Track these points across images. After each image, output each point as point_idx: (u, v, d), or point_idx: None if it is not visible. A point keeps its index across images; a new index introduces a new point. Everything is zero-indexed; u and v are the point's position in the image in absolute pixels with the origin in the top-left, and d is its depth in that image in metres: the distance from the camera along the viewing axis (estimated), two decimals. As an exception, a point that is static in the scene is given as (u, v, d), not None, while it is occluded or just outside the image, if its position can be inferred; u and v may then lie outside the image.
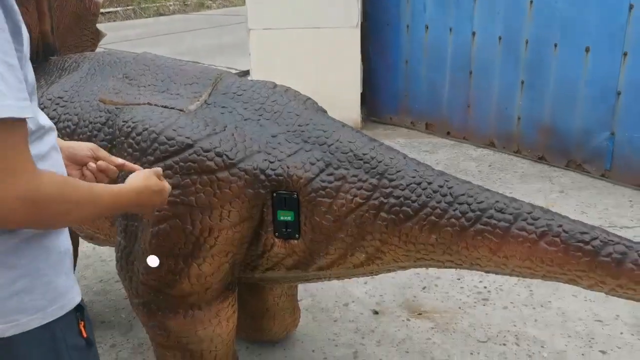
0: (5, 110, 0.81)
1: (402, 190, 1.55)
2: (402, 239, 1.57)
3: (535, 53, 4.31)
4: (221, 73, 1.90)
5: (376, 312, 2.70)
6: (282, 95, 1.80)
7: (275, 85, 1.86)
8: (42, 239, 0.99)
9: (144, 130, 1.67)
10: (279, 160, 1.63)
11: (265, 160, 1.63)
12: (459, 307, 2.72)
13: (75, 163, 1.22)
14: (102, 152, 1.26)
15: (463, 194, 1.51)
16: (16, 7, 0.88)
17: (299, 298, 2.53)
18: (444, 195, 1.52)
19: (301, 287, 2.81)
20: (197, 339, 1.80)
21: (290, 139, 1.67)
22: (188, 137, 1.62)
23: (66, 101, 1.91)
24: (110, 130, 1.78)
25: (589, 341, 2.46)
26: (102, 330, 2.59)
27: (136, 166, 1.30)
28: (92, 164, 1.23)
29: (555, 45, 4.16)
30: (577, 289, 2.77)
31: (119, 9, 14.08)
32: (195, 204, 1.61)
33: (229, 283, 1.79)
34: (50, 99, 1.95)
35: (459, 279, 2.94)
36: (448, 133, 5.10)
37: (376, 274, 1.79)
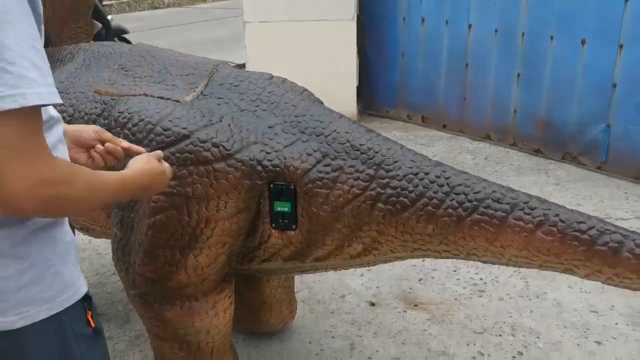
0: (37, 97, 0.81)
1: (399, 180, 1.55)
2: (399, 230, 1.57)
3: (532, 45, 4.31)
4: (217, 64, 1.89)
5: (373, 304, 2.70)
6: (279, 86, 1.80)
7: (271, 77, 1.85)
8: (49, 230, 0.99)
9: (140, 121, 1.66)
10: (275, 151, 1.63)
11: (262, 151, 1.63)
12: (455, 299, 2.73)
13: (81, 146, 1.21)
14: (107, 134, 1.25)
15: (460, 184, 1.51)
16: None
17: (295, 290, 2.53)
18: (441, 186, 1.52)
19: (298, 279, 2.81)
20: (194, 330, 1.80)
21: (287, 129, 1.67)
22: (184, 128, 1.61)
23: (61, 92, 1.90)
24: (106, 121, 1.77)
25: (585, 332, 2.47)
26: (99, 323, 2.59)
27: (141, 148, 1.28)
28: (99, 146, 1.22)
29: (552, 38, 4.16)
30: (573, 280, 2.78)
31: (113, 1, 14.01)
32: (191, 195, 1.60)
33: (225, 274, 1.78)
34: (45, 91, 1.93)
35: (455, 271, 2.94)
36: (444, 126, 5.10)
37: (373, 265, 1.79)
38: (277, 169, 1.62)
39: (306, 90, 1.85)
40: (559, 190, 3.86)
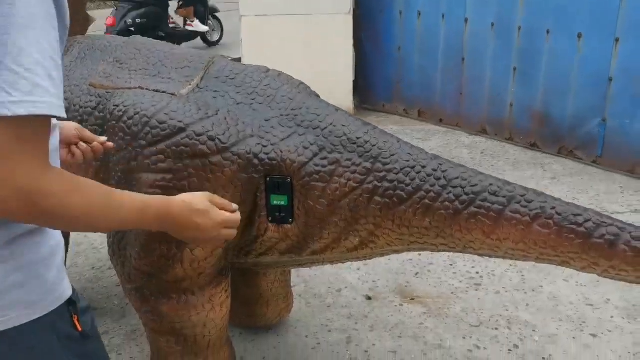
0: (47, 107, 0.82)
1: (396, 174, 1.55)
2: (395, 223, 1.57)
3: (528, 39, 4.31)
4: (213, 57, 1.88)
5: (369, 298, 2.71)
6: (275, 80, 1.79)
7: (267, 70, 1.84)
8: (34, 233, 0.97)
9: (135, 114, 1.65)
10: (272, 145, 1.62)
11: (259, 144, 1.62)
12: (452, 293, 2.73)
13: (62, 142, 1.21)
14: (87, 133, 1.26)
15: (457, 177, 1.51)
16: (67, 4, 0.89)
17: (292, 284, 2.53)
18: (438, 179, 1.51)
19: (294, 273, 2.81)
20: (190, 324, 1.79)
21: (283, 123, 1.66)
22: (180, 121, 1.60)
23: (56, 86, 1.89)
24: (101, 114, 1.76)
25: (580, 325, 2.48)
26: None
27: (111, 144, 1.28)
28: (82, 144, 1.22)
29: (548, 32, 4.16)
30: (569, 273, 2.79)
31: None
32: (188, 189, 1.59)
33: (222, 268, 1.78)
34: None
35: (451, 265, 2.95)
36: (441, 120, 5.10)
37: (370, 259, 1.79)
38: (274, 162, 1.61)
39: (302, 83, 1.85)
40: (555, 184, 3.87)
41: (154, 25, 7.42)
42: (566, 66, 4.10)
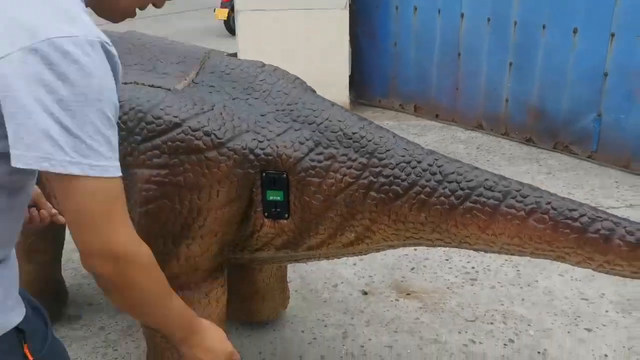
0: (100, 169, 0.89)
1: (392, 169, 1.55)
2: (391, 218, 1.57)
3: (524, 35, 4.31)
4: (209, 52, 1.88)
5: (365, 293, 2.71)
6: (271, 75, 1.79)
7: (263, 65, 1.84)
8: None
9: (130, 110, 1.64)
10: (268, 140, 1.62)
11: (254, 139, 1.62)
12: (447, 287, 2.74)
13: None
14: (42, 200, 1.32)
15: (452, 173, 1.51)
16: (120, 65, 0.95)
17: (288, 279, 2.53)
18: (434, 174, 1.52)
19: (290, 269, 2.81)
20: (186, 319, 1.79)
21: (279, 118, 1.66)
22: (176, 116, 1.60)
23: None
24: (96, 110, 1.75)
25: (575, 319, 2.49)
26: (91, 313, 2.58)
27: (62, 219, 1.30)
28: (33, 209, 1.29)
29: (544, 27, 4.16)
30: (564, 268, 2.80)
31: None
32: (183, 184, 1.59)
33: (218, 263, 1.78)
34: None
35: (447, 260, 2.96)
36: (436, 115, 5.11)
37: (365, 254, 1.79)
38: (270, 157, 1.61)
39: (298, 78, 1.84)
40: (551, 179, 3.88)
41: None
42: (562, 61, 4.11)
